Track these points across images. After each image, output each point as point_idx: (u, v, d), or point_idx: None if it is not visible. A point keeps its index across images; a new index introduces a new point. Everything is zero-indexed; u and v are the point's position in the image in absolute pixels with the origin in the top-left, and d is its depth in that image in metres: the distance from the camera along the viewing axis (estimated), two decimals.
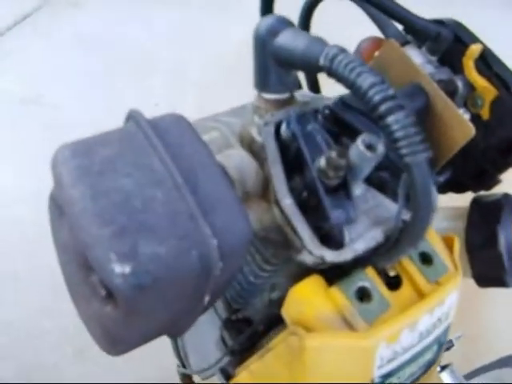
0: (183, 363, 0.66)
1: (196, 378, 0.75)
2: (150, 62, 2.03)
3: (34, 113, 1.85)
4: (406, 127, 0.35)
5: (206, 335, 0.60)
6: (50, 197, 0.41)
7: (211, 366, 0.54)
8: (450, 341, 0.91)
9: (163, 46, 2.10)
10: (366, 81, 0.36)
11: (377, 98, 0.36)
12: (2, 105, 1.86)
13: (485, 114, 0.55)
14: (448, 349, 0.91)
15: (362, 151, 0.38)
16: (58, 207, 0.40)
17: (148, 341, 0.44)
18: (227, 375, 0.52)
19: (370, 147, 0.38)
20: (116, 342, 0.42)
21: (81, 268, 0.39)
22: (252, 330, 0.50)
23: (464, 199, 0.64)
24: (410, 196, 0.37)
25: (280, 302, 0.46)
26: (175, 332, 0.46)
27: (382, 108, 0.35)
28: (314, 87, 0.58)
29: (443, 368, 0.86)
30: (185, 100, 1.87)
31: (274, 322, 0.47)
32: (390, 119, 0.35)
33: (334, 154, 0.38)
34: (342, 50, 0.38)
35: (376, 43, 0.58)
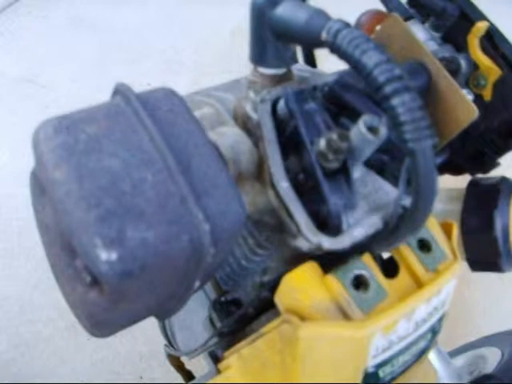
0: (170, 342, 0.65)
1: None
2: (144, 44, 2.04)
3: (29, 93, 1.85)
4: (413, 111, 0.33)
5: (194, 314, 0.59)
6: (31, 174, 0.39)
7: (199, 347, 0.53)
8: None
9: (158, 30, 2.10)
10: (371, 59, 0.34)
11: (382, 77, 0.33)
12: None
13: (487, 94, 0.53)
14: None
15: (364, 133, 0.36)
16: (39, 186, 0.38)
17: (134, 323, 0.42)
18: (215, 358, 0.51)
19: (371, 129, 0.36)
20: (100, 325, 0.40)
21: (64, 251, 0.36)
22: (241, 313, 0.49)
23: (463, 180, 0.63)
24: (412, 183, 0.35)
25: (271, 285, 0.44)
26: (163, 315, 0.44)
27: (388, 89, 0.33)
28: (310, 61, 0.56)
29: None
30: (177, 81, 1.86)
31: (265, 305, 0.46)
32: (396, 101, 0.33)
33: (335, 136, 0.36)
34: (347, 25, 0.36)
35: (377, 17, 0.55)
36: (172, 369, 0.77)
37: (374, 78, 0.34)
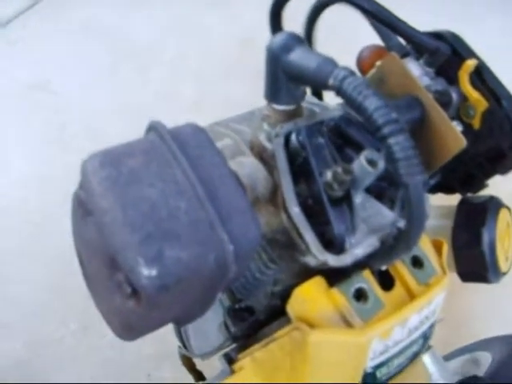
0: (185, 345, 0.70)
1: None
2: (154, 52, 2.07)
3: (41, 99, 1.88)
4: (406, 150, 0.39)
5: (209, 320, 0.64)
6: (74, 195, 0.44)
7: (215, 350, 0.58)
8: None
9: (166, 38, 2.12)
10: (371, 104, 0.39)
11: (381, 120, 0.39)
12: (10, 91, 1.90)
13: (476, 123, 0.59)
14: None
15: (364, 166, 0.42)
16: (83, 207, 0.43)
17: (160, 328, 0.48)
18: (229, 359, 0.57)
19: (371, 163, 0.42)
20: (133, 330, 0.46)
21: (105, 264, 0.42)
22: (254, 319, 0.55)
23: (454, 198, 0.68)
24: (406, 210, 0.41)
25: (281, 294, 0.50)
26: (186, 321, 0.50)
27: (385, 130, 0.39)
28: (317, 93, 0.62)
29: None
30: (184, 89, 1.90)
31: (275, 312, 0.52)
32: (392, 141, 0.39)
33: (340, 169, 0.42)
34: (351, 73, 0.42)
35: (376, 52, 0.61)
36: (180, 368, 0.82)
37: (373, 120, 0.39)
